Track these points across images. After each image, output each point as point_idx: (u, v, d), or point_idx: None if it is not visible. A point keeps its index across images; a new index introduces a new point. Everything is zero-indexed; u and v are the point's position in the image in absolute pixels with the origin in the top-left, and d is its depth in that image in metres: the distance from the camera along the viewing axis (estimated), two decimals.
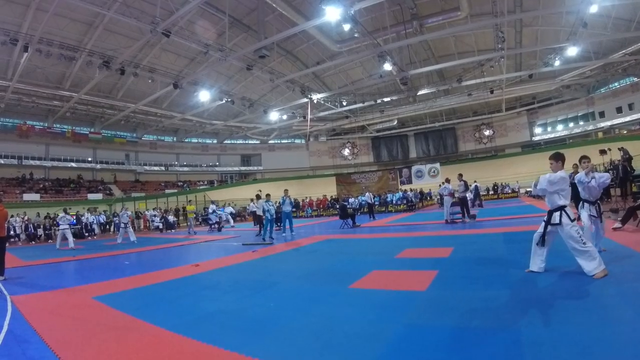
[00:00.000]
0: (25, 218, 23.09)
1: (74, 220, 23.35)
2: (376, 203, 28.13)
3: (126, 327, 4.28)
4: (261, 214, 15.33)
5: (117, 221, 23.76)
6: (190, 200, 21.18)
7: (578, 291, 4.35)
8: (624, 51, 29.02)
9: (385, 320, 3.99)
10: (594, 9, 21.64)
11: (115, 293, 6.26)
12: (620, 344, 2.92)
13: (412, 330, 3.65)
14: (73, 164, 37.55)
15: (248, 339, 3.69)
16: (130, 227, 18.10)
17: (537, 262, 5.39)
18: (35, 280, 8.24)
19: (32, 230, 22.58)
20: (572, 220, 5.05)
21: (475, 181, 24.75)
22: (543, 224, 5.36)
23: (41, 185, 33.30)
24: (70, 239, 15.75)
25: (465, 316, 3.90)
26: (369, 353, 3.17)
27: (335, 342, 3.48)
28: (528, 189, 30.82)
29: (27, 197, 30.32)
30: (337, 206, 24.35)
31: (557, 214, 5.14)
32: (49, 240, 21.95)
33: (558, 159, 5.28)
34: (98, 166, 39.36)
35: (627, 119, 34.99)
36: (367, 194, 24.86)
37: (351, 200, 30.41)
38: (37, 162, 35.05)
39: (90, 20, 24.02)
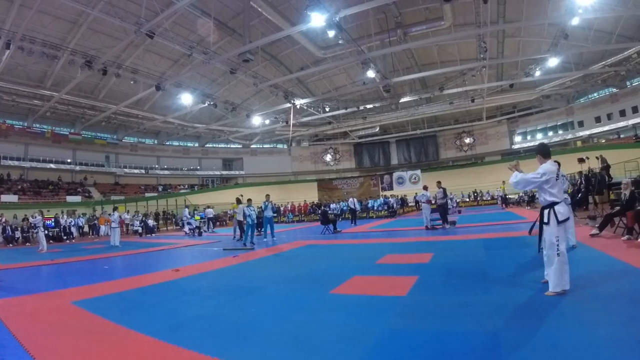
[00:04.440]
0: (3, 220, 22.55)
1: (52, 223, 23.00)
2: (357, 209, 28.20)
3: (105, 332, 4.24)
4: (241, 219, 15.31)
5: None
6: (241, 196, 16.80)
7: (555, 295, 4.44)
8: (603, 63, 29.89)
9: (366, 325, 4.02)
10: (575, 21, 22.26)
11: (95, 298, 6.16)
12: (595, 346, 3.03)
13: (392, 335, 3.69)
14: (52, 165, 36.79)
15: (229, 344, 3.70)
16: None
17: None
18: (13, 284, 8.05)
19: (10, 233, 22.04)
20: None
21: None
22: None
23: (19, 187, 32.50)
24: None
25: (445, 321, 3.98)
26: (350, 358, 3.21)
27: (315, 347, 3.51)
28: (510, 196, 31.26)
29: (5, 198, 29.60)
30: (319, 212, 24.40)
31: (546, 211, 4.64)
32: (27, 243, 21.47)
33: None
34: (77, 168, 38.66)
35: (606, 128, 36.02)
36: (350, 199, 24.99)
37: (333, 205, 30.49)
38: (16, 163, 34.28)
39: (74, 19, 23.77)
